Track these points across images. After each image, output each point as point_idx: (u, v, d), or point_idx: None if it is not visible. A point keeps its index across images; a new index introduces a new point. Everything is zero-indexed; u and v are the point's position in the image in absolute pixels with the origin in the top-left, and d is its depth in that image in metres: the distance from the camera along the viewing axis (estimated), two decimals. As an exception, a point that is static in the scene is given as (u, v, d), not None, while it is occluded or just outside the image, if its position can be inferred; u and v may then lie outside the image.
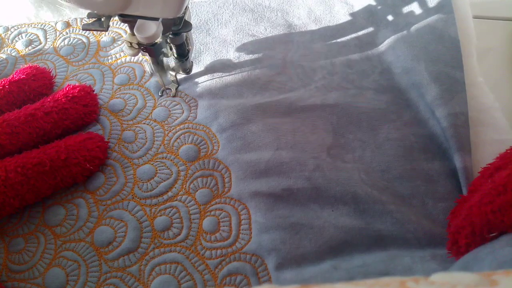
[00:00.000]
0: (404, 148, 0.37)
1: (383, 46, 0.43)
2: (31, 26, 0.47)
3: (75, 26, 0.47)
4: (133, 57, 0.44)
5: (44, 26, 0.47)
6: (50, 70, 0.42)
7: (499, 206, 0.26)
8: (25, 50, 0.45)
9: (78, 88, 0.38)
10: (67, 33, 0.46)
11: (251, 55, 0.44)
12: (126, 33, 0.42)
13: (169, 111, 0.40)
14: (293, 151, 0.37)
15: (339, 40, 0.45)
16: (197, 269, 0.32)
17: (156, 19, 0.32)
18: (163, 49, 0.36)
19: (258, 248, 0.33)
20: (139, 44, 0.34)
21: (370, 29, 0.45)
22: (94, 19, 0.34)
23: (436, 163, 0.37)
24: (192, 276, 0.32)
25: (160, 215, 0.35)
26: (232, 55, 0.44)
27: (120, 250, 0.33)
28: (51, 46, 0.45)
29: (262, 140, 0.38)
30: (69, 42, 0.45)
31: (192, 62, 0.41)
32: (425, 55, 0.40)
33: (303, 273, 0.32)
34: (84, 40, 0.46)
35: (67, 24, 0.47)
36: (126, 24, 0.33)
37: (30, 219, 0.34)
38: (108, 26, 0.34)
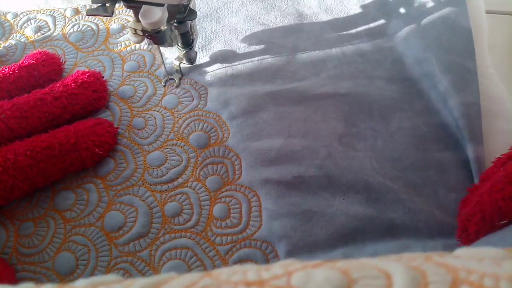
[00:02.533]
0: (416, 137, 0.37)
1: (395, 37, 0.43)
2: (40, 12, 0.46)
3: (85, 13, 0.46)
4: (142, 45, 0.44)
5: (53, 13, 0.46)
6: (60, 56, 0.42)
7: (510, 194, 0.25)
8: (34, 36, 0.44)
9: (87, 74, 0.38)
10: (76, 20, 0.46)
11: (261, 44, 0.43)
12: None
13: (179, 98, 0.40)
14: (304, 139, 0.37)
15: (350, 29, 0.44)
16: (207, 255, 0.32)
17: (161, 5, 0.31)
18: (167, 38, 0.36)
19: (269, 235, 0.33)
20: (143, 31, 0.34)
21: (382, 19, 0.45)
22: (99, 4, 0.33)
23: (448, 153, 0.36)
24: (202, 262, 0.32)
25: (171, 201, 0.34)
26: (242, 44, 0.43)
27: (130, 235, 0.33)
28: (60, 33, 0.45)
29: (273, 128, 0.38)
30: (79, 29, 0.45)
31: (196, 52, 0.41)
32: (438, 46, 0.40)
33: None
34: (94, 27, 0.45)
35: (76, 11, 0.47)
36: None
37: (40, 203, 0.34)
38: (113, 12, 0.33)
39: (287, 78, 0.41)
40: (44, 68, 0.39)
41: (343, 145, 0.37)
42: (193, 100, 0.40)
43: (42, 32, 0.45)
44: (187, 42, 0.38)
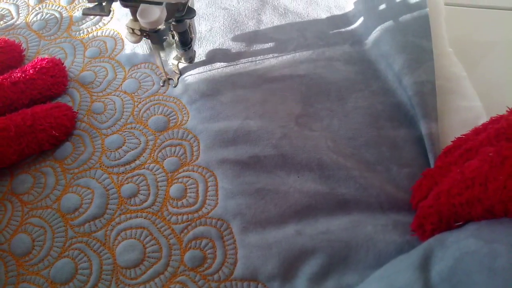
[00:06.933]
0: (371, 116, 0.38)
1: (354, 18, 0.43)
2: (3, 1, 0.46)
3: (48, 2, 0.47)
4: (104, 31, 0.44)
5: (16, 1, 0.46)
6: (20, 44, 0.42)
7: (467, 200, 0.26)
8: (-3, 25, 0.45)
9: (46, 60, 0.38)
10: (40, 8, 0.46)
11: (223, 28, 0.44)
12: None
13: (140, 83, 0.40)
14: (261, 120, 0.37)
15: (311, 13, 0.45)
16: (162, 234, 0.33)
17: (159, 3, 0.30)
18: (165, 37, 0.35)
19: (224, 213, 0.33)
20: (141, 30, 0.33)
21: (342, 2, 0.45)
22: (95, 3, 0.32)
23: (402, 130, 0.37)
24: (157, 241, 0.32)
25: (127, 183, 0.35)
26: (204, 28, 0.44)
27: (86, 216, 0.33)
28: (24, 21, 0.45)
29: (231, 110, 0.38)
30: (42, 17, 0.45)
31: (195, 51, 0.40)
32: (394, 26, 0.40)
33: (267, 237, 0.32)
34: (57, 15, 0.45)
35: (40, 0, 0.47)
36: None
37: (-3, 187, 0.35)
38: (110, 11, 0.32)
39: (247, 61, 0.41)
40: (3, 55, 0.39)
41: (300, 125, 0.37)
42: (154, 84, 0.40)
43: (5, 20, 0.45)
44: (186, 41, 0.37)
